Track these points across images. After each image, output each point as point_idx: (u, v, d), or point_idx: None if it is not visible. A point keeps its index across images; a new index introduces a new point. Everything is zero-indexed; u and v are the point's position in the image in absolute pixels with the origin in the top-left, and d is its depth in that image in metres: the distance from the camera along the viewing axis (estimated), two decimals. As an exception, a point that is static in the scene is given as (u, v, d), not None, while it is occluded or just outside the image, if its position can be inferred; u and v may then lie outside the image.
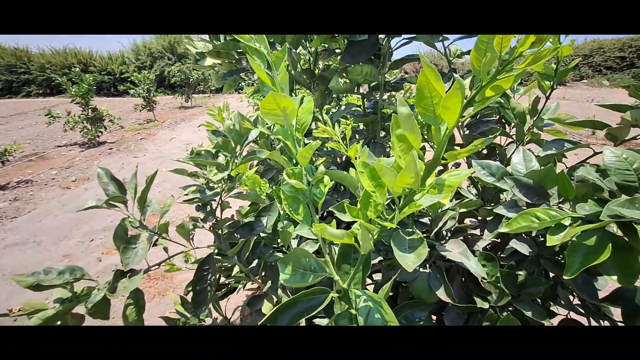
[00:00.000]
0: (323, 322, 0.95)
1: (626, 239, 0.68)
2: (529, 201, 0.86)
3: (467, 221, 1.30)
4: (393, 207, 0.55)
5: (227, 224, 1.05)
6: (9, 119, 12.96)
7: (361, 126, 1.68)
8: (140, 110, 12.02)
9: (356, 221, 0.53)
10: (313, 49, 1.59)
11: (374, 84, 1.40)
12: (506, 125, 1.37)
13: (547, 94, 1.13)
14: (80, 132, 8.20)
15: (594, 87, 20.58)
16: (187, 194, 0.96)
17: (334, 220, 0.77)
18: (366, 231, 0.54)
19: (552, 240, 0.71)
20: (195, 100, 17.79)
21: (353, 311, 0.67)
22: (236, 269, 1.38)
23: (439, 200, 0.50)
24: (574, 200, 0.80)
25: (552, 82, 1.10)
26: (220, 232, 1.03)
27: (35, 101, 19.88)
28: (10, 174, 5.92)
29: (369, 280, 1.38)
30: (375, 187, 0.52)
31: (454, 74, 1.28)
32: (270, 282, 1.09)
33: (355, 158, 0.73)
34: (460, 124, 1.37)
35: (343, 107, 1.64)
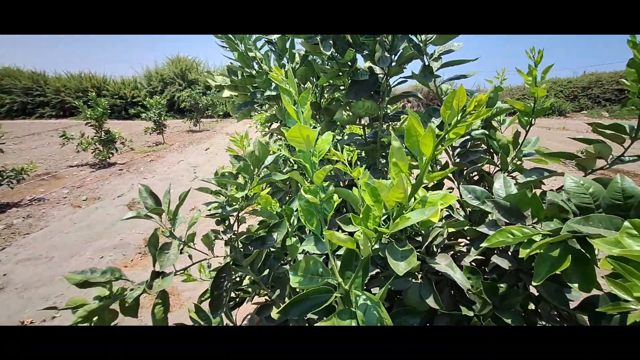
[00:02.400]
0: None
1: (583, 251, 0.80)
2: (507, 221, 0.99)
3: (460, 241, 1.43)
4: (388, 223, 0.68)
5: (241, 238, 1.19)
6: (22, 139, 13.41)
7: (363, 153, 1.83)
8: (150, 133, 12.41)
9: (356, 232, 0.67)
10: (320, 85, 1.79)
11: (374, 116, 1.57)
12: (494, 154, 1.52)
13: (527, 129, 1.28)
14: (92, 153, 8.49)
15: (593, 118, 20.96)
16: (209, 210, 1.10)
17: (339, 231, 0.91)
18: (366, 237, 0.68)
19: (524, 253, 0.84)
20: (204, 125, 18.29)
21: (353, 309, 0.79)
22: (245, 282, 1.50)
23: (429, 217, 0.62)
24: (544, 219, 0.93)
25: (530, 118, 1.26)
26: (235, 244, 1.16)
27: (49, 122, 20.54)
28: (23, 192, 6.12)
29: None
30: (374, 202, 0.66)
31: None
32: (278, 291, 1.20)
33: (358, 179, 0.88)
34: (452, 153, 1.53)
35: (346, 137, 1.81)
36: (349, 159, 0.85)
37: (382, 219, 0.69)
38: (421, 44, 1.16)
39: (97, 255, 3.72)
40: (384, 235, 0.69)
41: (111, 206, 5.48)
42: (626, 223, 0.61)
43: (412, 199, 0.67)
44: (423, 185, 1.76)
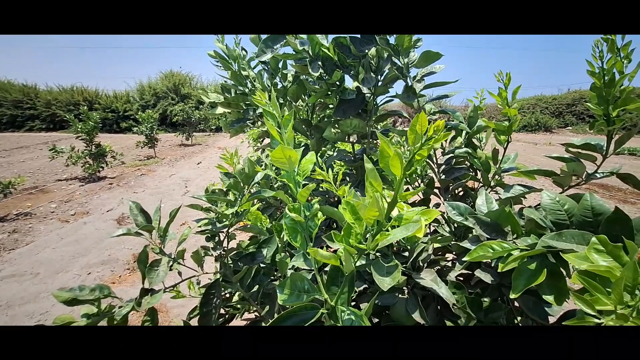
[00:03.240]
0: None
1: (558, 265, 0.84)
2: (489, 236, 1.03)
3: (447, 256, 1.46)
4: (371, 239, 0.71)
5: (231, 254, 1.20)
6: (10, 152, 13.21)
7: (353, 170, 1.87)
8: (141, 147, 12.35)
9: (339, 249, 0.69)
10: (311, 103, 1.84)
11: (362, 133, 1.62)
12: (477, 171, 1.57)
13: (505, 146, 1.34)
14: (82, 166, 8.40)
15: (578, 133, 21.58)
16: (199, 226, 1.12)
17: (325, 247, 0.93)
18: (348, 254, 0.70)
19: (502, 267, 0.87)
20: (196, 139, 18.28)
21: (339, 324, 0.80)
22: (234, 298, 1.50)
23: (414, 233, 0.65)
24: (523, 235, 0.97)
25: (506, 137, 1.32)
26: (225, 261, 1.18)
27: (38, 135, 20.31)
28: (9, 206, 6.00)
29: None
30: (355, 220, 0.69)
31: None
32: (267, 307, 1.21)
33: (343, 196, 0.91)
34: (437, 170, 1.58)
35: (336, 153, 1.85)
36: (335, 177, 0.89)
37: (365, 235, 0.72)
38: (403, 67, 1.22)
39: (85, 271, 3.65)
40: (370, 251, 0.72)
41: (100, 221, 5.40)
42: (593, 239, 0.64)
43: (395, 214, 0.69)
44: (410, 201, 1.80)
